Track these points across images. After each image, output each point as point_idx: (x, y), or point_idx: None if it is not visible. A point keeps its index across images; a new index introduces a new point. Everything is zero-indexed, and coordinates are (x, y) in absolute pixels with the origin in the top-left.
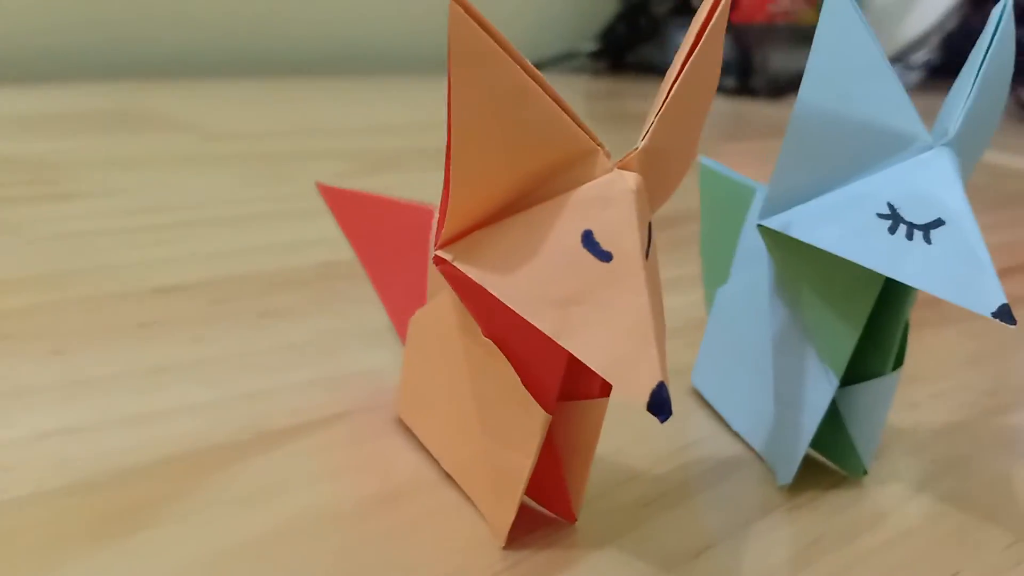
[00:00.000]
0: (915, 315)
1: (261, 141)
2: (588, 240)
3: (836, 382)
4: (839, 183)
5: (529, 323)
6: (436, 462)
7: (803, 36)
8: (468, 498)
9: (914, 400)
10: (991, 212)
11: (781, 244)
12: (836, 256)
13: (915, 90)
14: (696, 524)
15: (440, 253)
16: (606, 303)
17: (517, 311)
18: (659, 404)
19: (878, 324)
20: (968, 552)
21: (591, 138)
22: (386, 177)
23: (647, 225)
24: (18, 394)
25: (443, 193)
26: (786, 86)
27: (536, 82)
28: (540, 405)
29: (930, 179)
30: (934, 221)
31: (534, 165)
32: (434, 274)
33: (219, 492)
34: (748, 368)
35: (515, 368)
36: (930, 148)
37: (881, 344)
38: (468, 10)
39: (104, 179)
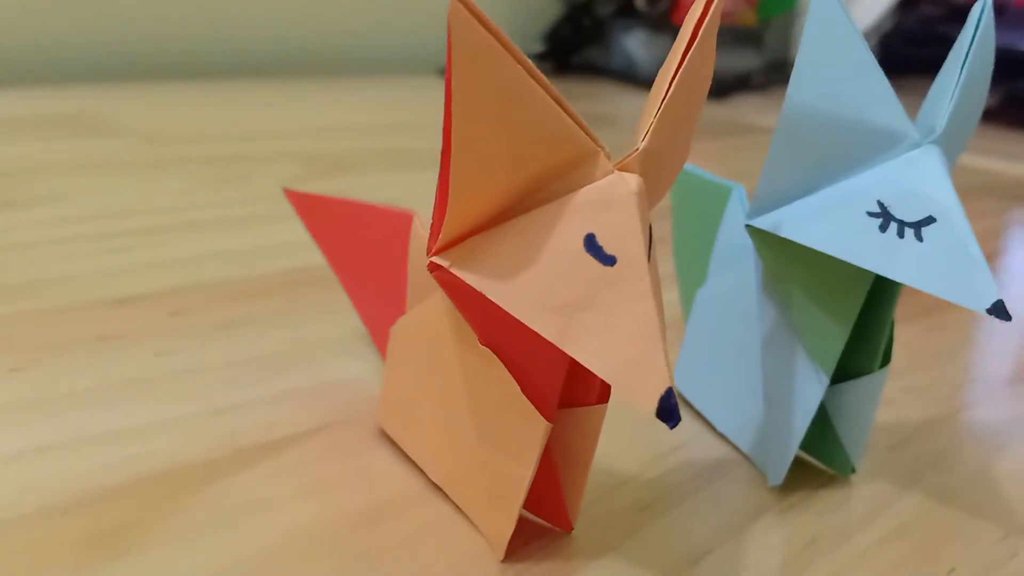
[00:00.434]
0: None
1: (208, 145)
2: (591, 244)
3: (826, 381)
4: (828, 182)
5: (529, 330)
6: (424, 474)
7: (744, 37)
8: (460, 510)
9: (889, 396)
10: None
11: (770, 244)
12: (825, 255)
13: None
14: (692, 529)
15: (436, 260)
16: (611, 308)
17: (519, 318)
18: (668, 411)
19: (865, 322)
20: (962, 548)
21: (592, 139)
22: (344, 180)
23: (648, 227)
24: None
25: (438, 197)
26: (731, 86)
27: (537, 82)
28: (540, 413)
29: (920, 177)
30: (925, 219)
31: (535, 167)
32: (415, 282)
33: (202, 513)
34: (734, 369)
35: (514, 376)
36: (918, 146)
37: (868, 342)
38: (470, 8)
39: (48, 186)
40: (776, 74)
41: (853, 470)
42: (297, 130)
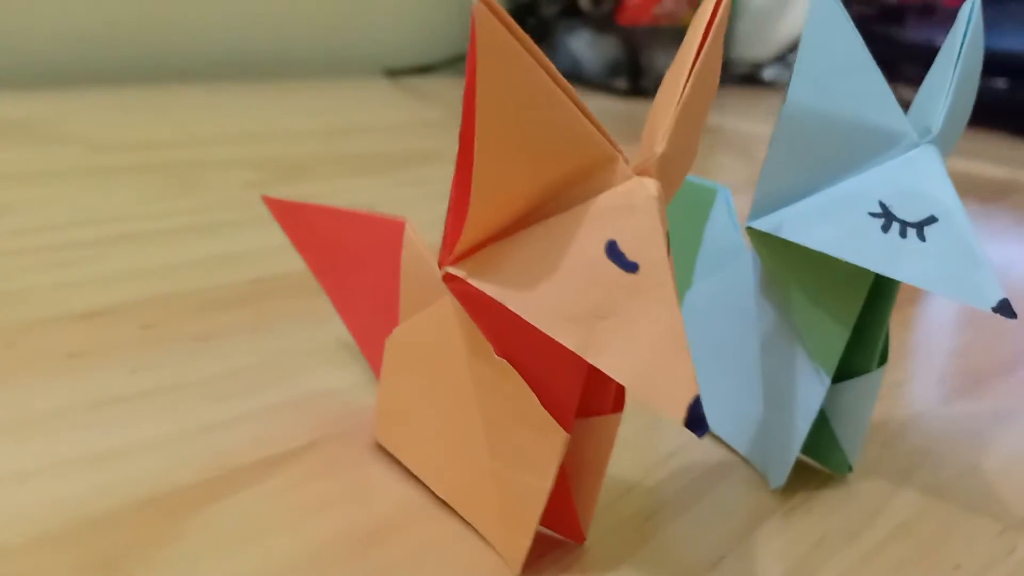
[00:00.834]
0: None
1: (157, 151)
2: (612, 250)
3: (828, 381)
4: (829, 183)
5: (547, 339)
6: (426, 489)
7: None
8: (469, 525)
9: None
10: None
11: (770, 246)
12: (825, 256)
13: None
14: (702, 535)
15: (452, 270)
16: (635, 316)
17: (540, 328)
18: (696, 420)
19: (863, 322)
20: (963, 544)
21: (611, 144)
22: (303, 186)
23: (666, 232)
24: None
25: (452, 207)
26: None
27: (559, 86)
28: (559, 425)
29: (920, 177)
30: (927, 218)
31: (557, 173)
32: (409, 291)
33: (202, 537)
34: (728, 372)
35: (531, 387)
36: (916, 146)
37: (866, 341)
38: (494, 11)
39: None
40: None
41: (850, 469)
42: (247, 135)
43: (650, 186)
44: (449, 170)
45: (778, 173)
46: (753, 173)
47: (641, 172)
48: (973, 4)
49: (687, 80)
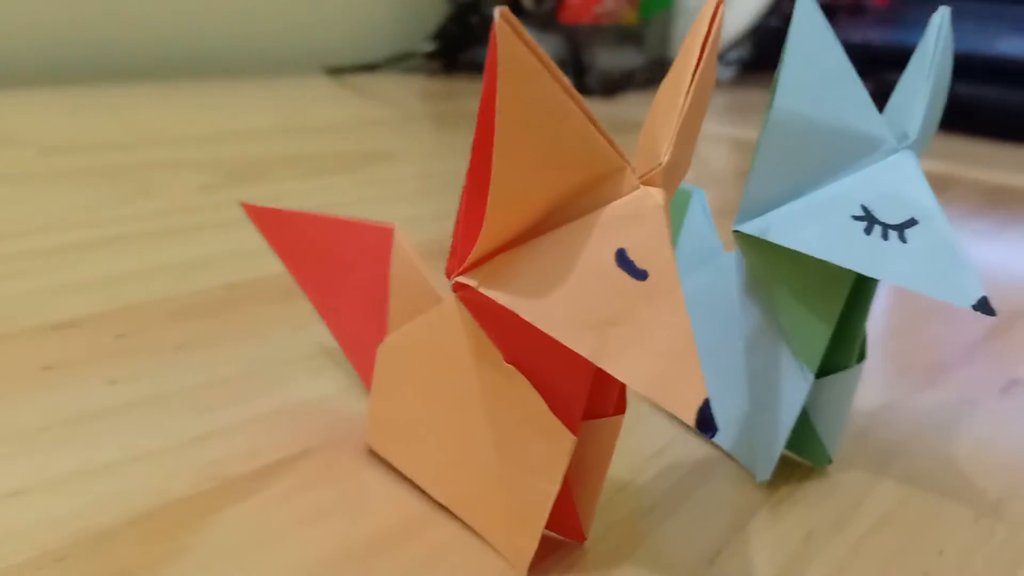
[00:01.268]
0: None
1: (107, 154)
2: (622, 259)
3: (811, 378)
4: (813, 187)
5: (554, 346)
6: (424, 494)
7: (626, 36)
8: (470, 530)
9: None
10: None
11: (756, 248)
12: (809, 257)
13: (730, 85)
14: (696, 531)
15: (463, 280)
16: (646, 322)
17: (553, 335)
18: (706, 421)
19: (844, 320)
20: (944, 530)
21: (619, 155)
22: (258, 188)
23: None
24: None
25: (462, 217)
26: (618, 84)
27: (572, 99)
28: (567, 428)
29: (900, 181)
30: (908, 221)
31: (569, 183)
32: (398, 299)
33: (207, 551)
34: (711, 370)
35: (539, 392)
36: (895, 151)
37: (846, 339)
38: (515, 28)
39: None
40: (658, 71)
41: (830, 461)
42: (196, 136)
43: (656, 195)
44: (401, 170)
45: (765, 178)
46: (698, 171)
47: (647, 182)
48: (944, 13)
49: (688, 91)
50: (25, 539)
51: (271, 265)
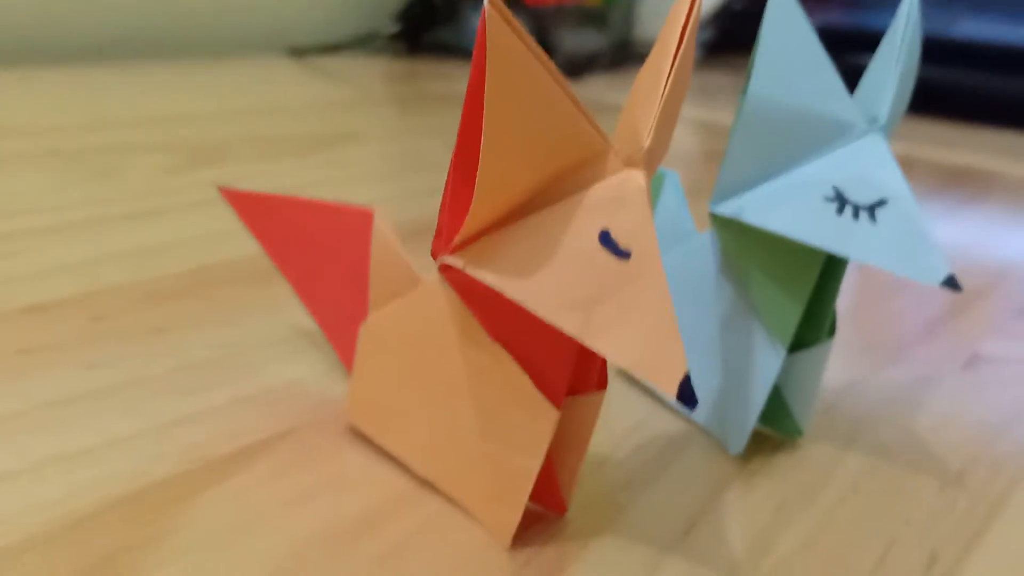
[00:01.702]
0: None
1: (64, 136)
2: (606, 239)
3: (783, 353)
4: (785, 169)
5: (539, 325)
6: (406, 471)
7: (589, 17)
8: (453, 505)
9: None
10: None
11: (731, 228)
12: (782, 237)
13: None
14: (673, 503)
15: (449, 260)
16: (629, 300)
17: (539, 315)
18: (687, 394)
19: (814, 297)
20: (909, 500)
21: (603, 138)
22: (222, 169)
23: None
24: None
25: (448, 198)
26: (583, 65)
27: (558, 84)
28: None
29: (870, 163)
30: (877, 201)
31: (554, 166)
32: (379, 279)
33: (187, 533)
34: (686, 348)
35: (524, 370)
36: (866, 134)
37: (817, 316)
38: (503, 14)
39: None
40: (621, 53)
41: (801, 433)
42: (155, 117)
43: (639, 178)
44: (366, 151)
45: (739, 161)
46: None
47: (630, 164)
48: (913, 2)
49: (668, 76)
50: (7, 523)
51: (243, 246)
